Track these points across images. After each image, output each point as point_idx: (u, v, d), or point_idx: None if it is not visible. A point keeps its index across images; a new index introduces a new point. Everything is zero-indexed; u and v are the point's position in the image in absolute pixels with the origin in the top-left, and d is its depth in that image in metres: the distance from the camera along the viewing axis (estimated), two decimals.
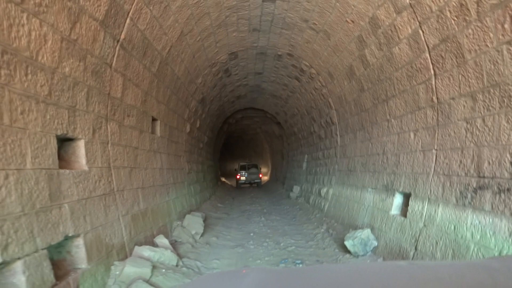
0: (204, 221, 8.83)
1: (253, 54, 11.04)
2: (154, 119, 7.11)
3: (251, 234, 8.31)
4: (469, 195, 4.07)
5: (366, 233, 6.01)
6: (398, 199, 6.00)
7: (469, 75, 4.18)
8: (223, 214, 11.23)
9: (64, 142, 3.90)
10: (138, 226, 5.29)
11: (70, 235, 3.44)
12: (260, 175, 24.57)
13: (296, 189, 15.67)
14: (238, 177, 24.31)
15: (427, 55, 5.04)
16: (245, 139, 35.93)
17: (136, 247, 4.65)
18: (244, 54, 10.84)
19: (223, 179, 29.99)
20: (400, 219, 5.61)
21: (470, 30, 4.05)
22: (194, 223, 7.16)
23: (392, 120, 6.42)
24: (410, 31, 5.29)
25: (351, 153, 8.93)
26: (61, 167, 3.53)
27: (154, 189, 6.59)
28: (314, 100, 12.06)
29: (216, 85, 12.43)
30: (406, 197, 5.80)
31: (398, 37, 5.65)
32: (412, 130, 5.67)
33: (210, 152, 17.78)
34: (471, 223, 3.94)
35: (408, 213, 5.42)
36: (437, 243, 4.47)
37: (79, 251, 3.60)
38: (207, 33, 8.18)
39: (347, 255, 6.20)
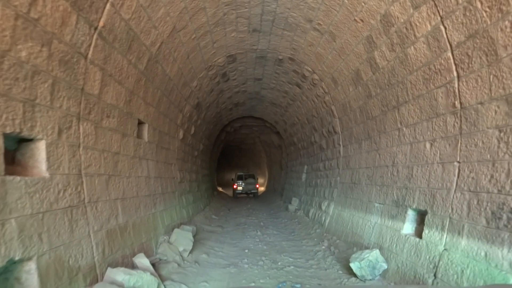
0: (195, 235, 8.13)
1: (253, 58, 10.44)
2: (141, 122, 6.47)
3: (246, 250, 7.61)
4: (504, 216, 3.41)
5: (374, 254, 5.32)
6: (411, 217, 5.33)
7: (504, 75, 3.56)
8: (216, 227, 10.52)
9: (21, 143, 3.25)
10: (114, 243, 4.61)
11: (17, 258, 2.77)
12: (257, 186, 24.41)
13: (295, 201, 14.97)
14: (235, 186, 24.17)
15: (449, 54, 4.42)
16: (243, 148, 35.26)
17: (109, 269, 3.95)
18: (243, 57, 10.24)
19: (220, 189, 29.31)
20: (414, 240, 4.93)
21: (507, 23, 3.43)
22: (182, 238, 6.47)
23: (404, 129, 5.78)
24: (429, 28, 4.68)
25: (355, 165, 8.28)
26: (10, 172, 2.88)
27: (138, 200, 5.91)
28: (315, 108, 11.44)
29: (213, 90, 11.82)
30: (421, 215, 5.14)
31: (415, 36, 5.04)
32: (428, 139, 5.03)
33: (205, 161, 17.11)
34: (509, 251, 3.27)
35: (424, 233, 4.75)
36: (463, 271, 3.80)
37: (30, 277, 2.92)
38: (203, 31, 7.57)
39: (353, 279, 5.51)
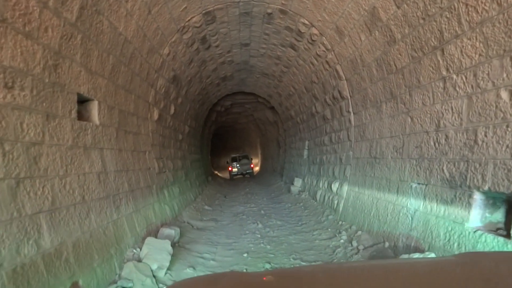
0: (180, 238, 6.48)
1: (236, 16, 8.57)
2: (85, 99, 4.69)
3: (245, 254, 5.96)
4: None
5: None
6: (479, 203, 3.65)
7: None
8: (209, 222, 8.87)
9: None
10: (30, 285, 2.91)
11: None
12: (252, 166, 24.56)
13: (298, 182, 13.33)
14: (230, 169, 24.25)
15: None
16: (237, 129, 33.52)
17: None
18: (224, 15, 8.37)
19: (216, 173, 27.76)
20: (495, 240, 3.26)
21: None
22: (156, 251, 4.77)
23: (454, 77, 4.04)
24: None
25: (373, 135, 6.57)
26: None
27: (85, 207, 4.19)
28: (315, 72, 9.64)
29: (193, 61, 9.97)
30: (502, 201, 3.46)
31: None
32: (504, 85, 3.30)
33: (195, 145, 15.37)
34: None
35: None
36: None
37: None
38: None
39: None
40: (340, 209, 7.83)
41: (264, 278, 1.30)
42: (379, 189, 6.06)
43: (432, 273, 1.21)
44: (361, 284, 1.18)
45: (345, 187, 7.87)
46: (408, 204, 4.94)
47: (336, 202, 8.23)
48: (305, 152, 13.61)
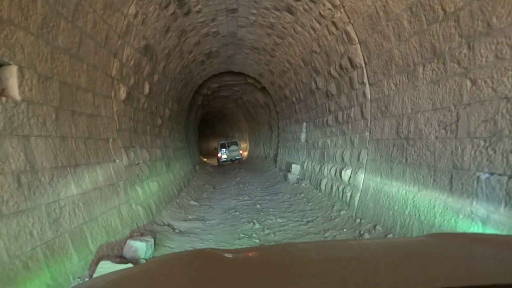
0: (152, 255, 4.93)
1: None
2: None
3: None
4: None
5: None
6: None
7: None
8: (195, 223, 7.34)
9: None
10: None
11: None
12: (241, 152, 24.31)
13: (296, 169, 11.85)
14: (219, 155, 23.80)
15: None
16: (226, 113, 31.88)
17: None
18: None
19: (204, 160, 26.25)
20: None
21: None
22: None
23: None
24: None
25: (402, 109, 5.07)
26: None
27: None
28: (317, 39, 8.06)
29: (170, 29, 8.29)
30: None
31: None
32: None
33: (178, 131, 13.74)
34: None
35: None
36: None
37: None
38: None
39: None
40: (356, 203, 6.36)
41: (250, 254, 1.37)
42: (416, 180, 4.58)
43: (404, 252, 1.27)
44: (329, 262, 1.18)
45: (361, 176, 6.39)
46: (474, 203, 3.46)
47: (349, 194, 6.75)
48: (303, 135, 12.10)
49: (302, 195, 9.49)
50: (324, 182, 8.61)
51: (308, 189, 9.81)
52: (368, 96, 6.26)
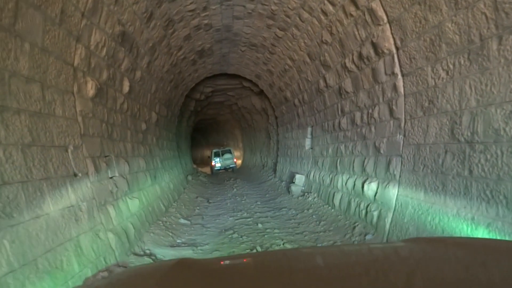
0: None
1: None
2: None
3: None
4: None
5: None
6: None
7: None
8: (184, 251, 5.92)
9: None
10: None
11: None
12: (235, 160, 23.83)
13: (300, 179, 10.51)
14: (213, 164, 23.39)
15: None
16: (220, 121, 30.60)
17: None
18: None
19: (198, 169, 24.89)
20: None
21: None
22: None
23: None
24: None
25: (459, 102, 3.76)
26: None
27: None
28: (329, 26, 6.78)
29: (153, 16, 6.97)
30: None
31: None
32: None
33: (168, 138, 12.36)
34: None
35: None
36: None
37: None
38: None
39: None
40: (387, 226, 5.02)
41: (222, 262, 1.30)
42: (492, 202, 3.25)
43: (383, 257, 1.30)
44: (308, 270, 1.16)
45: (393, 191, 5.06)
46: None
47: (375, 214, 5.41)
48: (308, 142, 10.79)
49: (311, 211, 8.14)
50: (338, 196, 7.26)
51: (317, 204, 8.45)
52: (401, 89, 4.95)
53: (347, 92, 7.03)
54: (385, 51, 5.17)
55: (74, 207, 4.06)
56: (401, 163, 4.93)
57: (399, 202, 4.85)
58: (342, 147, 7.48)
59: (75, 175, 4.29)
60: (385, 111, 5.48)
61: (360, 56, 6.01)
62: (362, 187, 6.01)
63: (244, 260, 1.39)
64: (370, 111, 6.03)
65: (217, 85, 18.65)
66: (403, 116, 4.95)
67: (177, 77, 11.39)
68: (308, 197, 9.23)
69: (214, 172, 23.31)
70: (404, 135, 4.90)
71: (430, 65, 4.23)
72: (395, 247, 1.48)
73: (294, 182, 10.65)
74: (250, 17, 8.98)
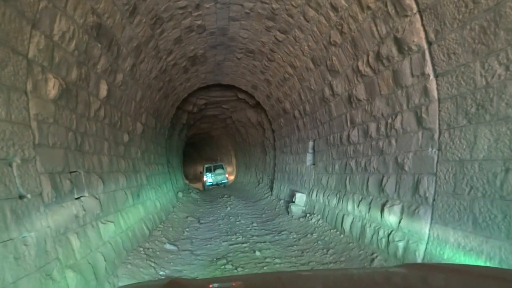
0: None
1: None
2: None
3: None
4: None
5: None
6: None
7: None
8: None
9: None
10: None
11: None
12: (227, 175, 23.60)
13: (301, 199, 9.53)
14: (204, 179, 22.89)
15: None
16: (214, 135, 29.62)
17: None
18: None
19: (192, 185, 23.89)
20: None
21: None
22: None
23: None
24: None
25: None
26: None
27: None
28: (339, 24, 5.91)
29: (137, 10, 6.05)
30: None
31: None
32: None
33: (157, 152, 11.35)
34: None
35: None
36: None
37: None
38: None
39: None
40: (418, 261, 4.03)
41: (210, 286, 1.24)
42: None
43: (379, 283, 1.27)
44: None
45: (425, 219, 4.09)
46: None
47: (400, 245, 4.43)
48: (309, 157, 9.85)
49: (315, 235, 7.14)
50: (348, 220, 6.28)
51: (321, 227, 7.46)
52: (434, 93, 4.04)
53: (359, 100, 6.11)
54: (413, 47, 4.28)
55: (14, 241, 3.04)
56: (436, 183, 3.98)
57: (435, 232, 3.89)
58: (352, 163, 6.53)
59: (21, 197, 3.28)
60: (411, 120, 4.56)
61: (378, 56, 5.12)
62: (382, 211, 5.04)
63: (234, 284, 1.31)
64: (390, 120, 5.11)
65: (211, 97, 17.78)
66: (437, 125, 4.02)
67: (167, 85, 10.46)
68: (311, 219, 8.23)
69: (206, 188, 22.72)
70: (440, 149, 3.96)
71: (479, 60, 3.33)
72: (392, 272, 1.42)
73: (294, 202, 9.66)
74: (247, 18, 8.12)
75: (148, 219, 7.84)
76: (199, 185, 25.28)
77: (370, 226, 5.40)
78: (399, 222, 4.59)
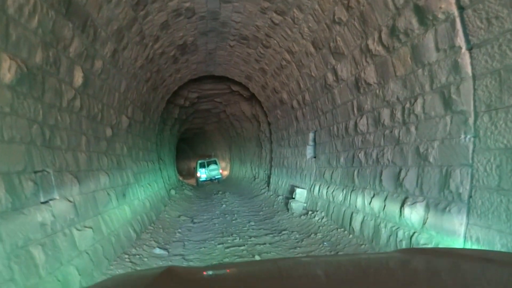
0: None
1: None
2: None
3: None
4: None
5: None
6: None
7: None
8: None
9: None
10: None
11: None
12: (220, 171, 23.37)
13: (301, 194, 8.88)
14: (198, 175, 22.63)
15: None
16: (208, 130, 28.91)
17: None
18: None
19: (185, 181, 23.32)
20: None
21: None
22: None
23: None
24: None
25: None
26: None
27: None
28: None
29: None
30: None
31: None
32: None
33: (146, 148, 10.63)
34: None
35: None
36: None
37: None
38: None
39: None
40: None
41: (204, 273, 1.27)
42: None
43: (377, 268, 1.26)
44: (300, 279, 1.14)
45: (458, 218, 3.44)
46: None
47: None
48: (309, 150, 9.19)
49: (319, 235, 6.48)
50: (357, 218, 5.64)
51: (326, 226, 6.81)
52: (468, 69, 3.38)
53: (368, 84, 5.44)
54: (439, 16, 3.60)
55: None
56: (472, 176, 3.32)
57: (473, 234, 3.24)
58: (361, 155, 5.87)
59: None
60: (436, 103, 3.89)
61: (393, 31, 4.44)
62: (401, 208, 4.38)
63: (228, 271, 1.32)
64: (408, 105, 4.44)
65: (203, 90, 17.04)
66: (472, 107, 3.36)
67: (155, 76, 9.72)
68: (314, 217, 7.58)
69: (200, 184, 22.54)
70: (477, 136, 3.30)
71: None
72: (390, 257, 1.41)
73: (294, 198, 9.00)
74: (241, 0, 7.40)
75: (135, 221, 7.14)
76: (193, 181, 24.70)
77: (385, 226, 4.74)
78: (424, 223, 3.94)
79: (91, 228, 4.78)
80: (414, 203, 4.16)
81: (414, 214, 4.12)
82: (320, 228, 6.86)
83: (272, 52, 9.29)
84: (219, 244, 6.85)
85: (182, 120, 20.35)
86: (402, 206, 4.39)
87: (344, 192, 6.47)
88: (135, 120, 8.98)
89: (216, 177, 22.64)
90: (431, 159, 3.97)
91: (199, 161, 23.11)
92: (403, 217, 4.32)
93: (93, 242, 4.77)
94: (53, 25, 4.22)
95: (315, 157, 8.67)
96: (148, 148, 11.13)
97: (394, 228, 4.53)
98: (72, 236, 4.24)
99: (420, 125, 4.22)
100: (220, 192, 16.12)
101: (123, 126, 7.79)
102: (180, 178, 23.34)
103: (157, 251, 6.42)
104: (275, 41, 8.61)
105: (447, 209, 3.59)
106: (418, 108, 4.23)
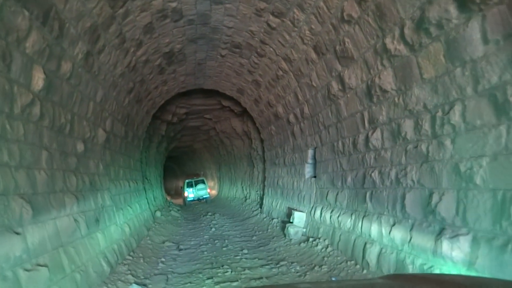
0: None
1: None
2: None
3: None
4: None
5: None
6: None
7: None
8: None
9: None
10: None
11: None
12: (208, 190, 23.10)
13: (300, 218, 7.97)
14: (186, 194, 22.33)
15: None
16: (197, 148, 27.96)
17: None
18: None
19: (173, 201, 22.38)
20: None
21: None
22: None
23: None
24: None
25: None
26: None
27: None
28: None
29: None
30: None
31: None
32: None
33: (129, 167, 9.66)
34: None
35: None
36: None
37: None
38: None
39: None
40: None
41: None
42: None
43: None
44: None
45: None
46: None
47: None
48: (308, 169, 8.34)
49: (325, 268, 5.55)
50: (373, 250, 4.74)
51: (331, 257, 5.89)
52: None
53: (384, 92, 4.64)
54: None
55: None
56: None
57: None
58: (375, 175, 5.02)
59: None
60: (483, 109, 3.08)
61: (421, 24, 3.66)
62: (437, 242, 3.51)
63: None
64: (440, 113, 3.63)
65: (192, 106, 16.21)
66: None
67: (138, 87, 8.84)
68: (316, 245, 6.66)
69: (187, 203, 22.16)
70: None
71: None
72: (375, 283, 1.37)
73: (291, 222, 8.09)
74: (234, 0, 6.63)
75: (110, 251, 6.13)
76: (181, 201, 23.85)
77: (413, 262, 3.86)
78: (472, 263, 3.07)
79: (46, 266, 3.79)
80: (455, 236, 3.29)
81: (456, 251, 3.25)
82: (325, 259, 5.93)
83: (267, 62, 8.51)
84: (208, 278, 5.87)
85: (170, 137, 19.42)
86: (437, 239, 3.51)
87: (353, 217, 5.58)
88: (114, 135, 8.04)
89: (204, 196, 22.25)
90: (478, 181, 3.12)
91: (187, 181, 22.65)
92: (440, 252, 3.45)
93: (49, 284, 3.78)
94: (21, 20, 3.35)
95: (315, 177, 7.80)
96: (131, 166, 10.16)
97: (426, 266, 3.64)
98: (17, 280, 3.27)
99: (458, 137, 3.39)
100: (209, 214, 15.09)
101: (99, 141, 6.85)
102: (168, 198, 22.44)
103: (133, 285, 5.41)
104: (271, 49, 7.84)
105: (509, 247, 2.72)
106: (455, 117, 3.41)
